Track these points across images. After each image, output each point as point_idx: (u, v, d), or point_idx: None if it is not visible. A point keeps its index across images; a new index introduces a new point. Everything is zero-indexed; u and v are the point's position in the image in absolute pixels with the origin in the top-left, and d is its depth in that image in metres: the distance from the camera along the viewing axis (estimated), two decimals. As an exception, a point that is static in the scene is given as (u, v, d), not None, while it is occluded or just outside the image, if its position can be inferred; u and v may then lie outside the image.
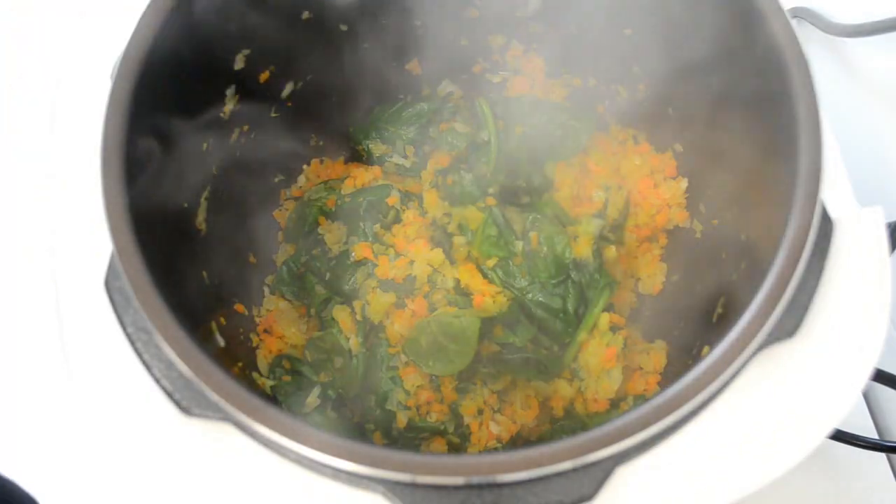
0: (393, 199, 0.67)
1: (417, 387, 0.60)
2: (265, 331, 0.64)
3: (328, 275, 0.66)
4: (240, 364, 0.58)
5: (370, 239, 0.66)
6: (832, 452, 0.65)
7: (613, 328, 0.64)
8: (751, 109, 0.51)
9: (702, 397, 0.37)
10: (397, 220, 0.67)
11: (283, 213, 0.71)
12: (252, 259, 0.67)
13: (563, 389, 0.62)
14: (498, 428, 0.59)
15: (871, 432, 0.68)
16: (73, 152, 0.46)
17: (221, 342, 0.53)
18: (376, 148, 0.72)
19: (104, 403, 0.40)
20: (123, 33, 0.45)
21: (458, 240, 0.67)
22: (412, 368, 0.60)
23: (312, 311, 0.66)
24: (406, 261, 0.64)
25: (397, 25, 0.66)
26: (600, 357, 0.62)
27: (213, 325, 0.54)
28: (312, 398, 0.61)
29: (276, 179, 0.71)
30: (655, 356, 0.63)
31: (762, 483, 0.38)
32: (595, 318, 0.63)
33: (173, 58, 0.47)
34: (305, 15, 0.61)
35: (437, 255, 0.63)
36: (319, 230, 0.67)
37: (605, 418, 0.61)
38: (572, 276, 0.65)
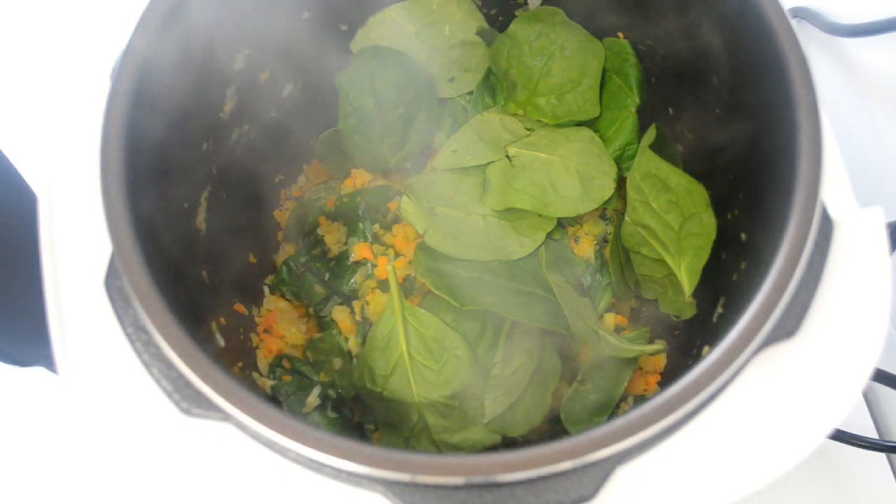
0: (393, 204, 0.67)
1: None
2: (265, 331, 0.64)
3: (328, 275, 0.66)
4: (240, 364, 0.58)
5: (370, 239, 0.66)
6: (832, 452, 0.65)
7: (617, 328, 0.64)
8: (751, 109, 0.51)
9: (702, 397, 0.37)
10: (397, 220, 0.67)
11: (283, 213, 0.71)
12: (252, 259, 0.67)
13: (563, 389, 0.62)
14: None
15: (871, 432, 0.68)
16: (72, 152, 0.46)
17: (221, 342, 0.53)
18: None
19: (104, 403, 0.40)
20: (123, 33, 0.45)
21: (458, 240, 0.67)
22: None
23: (311, 310, 0.66)
24: (406, 261, 0.64)
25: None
26: (601, 357, 0.62)
27: (213, 325, 0.54)
28: (312, 398, 0.61)
29: (276, 179, 0.71)
30: (655, 356, 0.63)
31: (762, 483, 0.38)
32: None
33: (173, 58, 0.47)
34: (305, 15, 0.61)
35: (437, 255, 0.63)
36: (319, 230, 0.67)
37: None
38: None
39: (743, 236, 0.52)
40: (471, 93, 0.69)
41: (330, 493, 0.38)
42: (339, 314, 0.64)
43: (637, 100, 0.64)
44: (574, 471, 0.37)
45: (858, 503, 0.65)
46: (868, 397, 0.70)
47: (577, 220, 0.67)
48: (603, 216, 0.67)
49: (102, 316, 0.41)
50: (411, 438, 0.58)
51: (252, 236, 0.67)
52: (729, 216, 0.56)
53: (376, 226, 0.66)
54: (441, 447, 0.57)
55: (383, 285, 0.63)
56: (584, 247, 0.66)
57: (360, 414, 0.63)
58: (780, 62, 0.44)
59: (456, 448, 0.57)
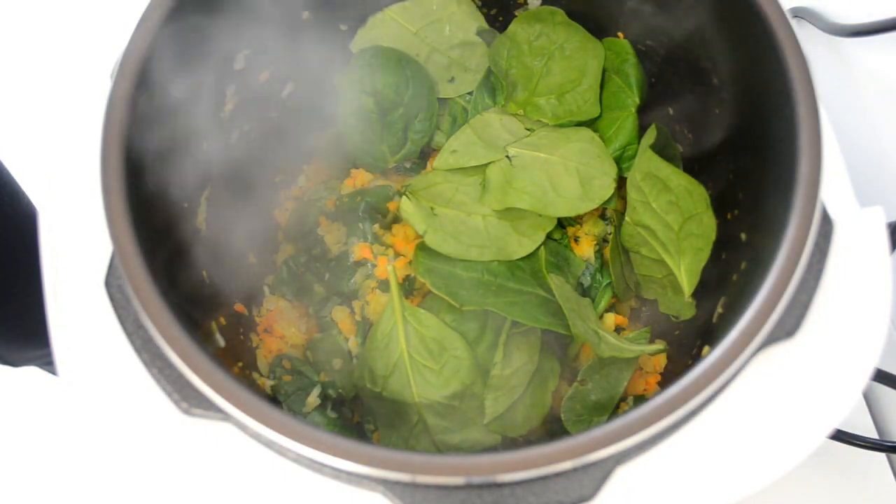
0: (393, 204, 0.67)
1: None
2: (265, 331, 0.64)
3: (328, 275, 0.66)
4: (240, 364, 0.58)
5: (369, 239, 0.66)
6: (832, 452, 0.65)
7: (617, 328, 0.64)
8: (750, 109, 0.51)
9: (702, 397, 0.37)
10: (397, 220, 0.67)
11: (283, 213, 0.71)
12: (252, 259, 0.67)
13: (563, 389, 0.62)
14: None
15: (871, 432, 0.68)
16: (72, 152, 0.46)
17: (221, 342, 0.53)
18: (376, 148, 0.72)
19: (103, 403, 0.40)
20: (123, 33, 0.45)
21: (458, 240, 0.67)
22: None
23: (311, 310, 0.66)
24: (406, 261, 0.64)
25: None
26: (601, 357, 0.62)
27: (213, 325, 0.54)
28: (312, 398, 0.61)
29: (276, 179, 0.71)
30: (655, 356, 0.63)
31: (762, 483, 0.38)
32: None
33: (173, 58, 0.47)
34: (305, 15, 0.61)
35: (437, 255, 0.63)
36: (319, 230, 0.67)
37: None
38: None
39: (743, 236, 0.52)
40: (471, 93, 0.69)
41: (330, 493, 0.38)
42: (339, 314, 0.64)
43: (637, 100, 0.64)
44: (574, 471, 0.37)
45: (858, 503, 0.65)
46: (868, 397, 0.70)
47: (577, 220, 0.67)
48: (603, 216, 0.68)
49: (102, 316, 0.41)
50: (411, 438, 0.58)
51: (252, 236, 0.67)
52: (729, 216, 0.56)
53: (376, 226, 0.66)
54: (441, 447, 0.57)
55: (383, 285, 0.63)
56: (584, 247, 0.66)
57: (360, 414, 0.63)
58: (780, 62, 0.44)
59: (456, 448, 0.57)
